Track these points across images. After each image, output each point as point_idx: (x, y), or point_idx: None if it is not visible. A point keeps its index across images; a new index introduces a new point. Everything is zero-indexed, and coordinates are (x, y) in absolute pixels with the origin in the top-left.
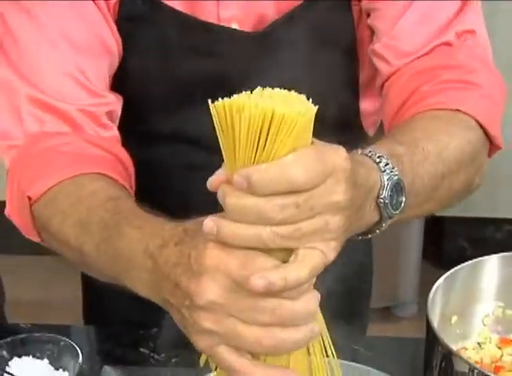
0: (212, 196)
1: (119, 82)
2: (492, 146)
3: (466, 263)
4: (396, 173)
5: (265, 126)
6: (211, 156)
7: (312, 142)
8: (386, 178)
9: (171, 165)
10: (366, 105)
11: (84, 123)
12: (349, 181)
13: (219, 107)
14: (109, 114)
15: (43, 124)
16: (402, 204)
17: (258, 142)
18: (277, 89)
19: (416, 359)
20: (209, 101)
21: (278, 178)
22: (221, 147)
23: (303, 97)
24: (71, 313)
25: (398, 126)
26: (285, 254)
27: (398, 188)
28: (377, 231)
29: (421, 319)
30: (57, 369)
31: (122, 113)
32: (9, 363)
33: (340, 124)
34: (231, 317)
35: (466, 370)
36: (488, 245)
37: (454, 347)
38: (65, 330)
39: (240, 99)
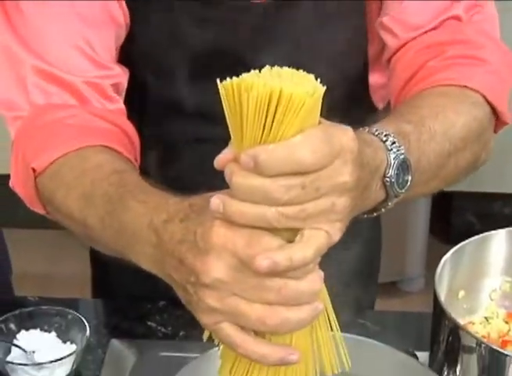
0: (215, 171)
1: (126, 54)
2: (498, 121)
3: (473, 238)
4: (402, 152)
5: (273, 105)
6: (217, 128)
7: (320, 123)
8: (392, 156)
9: (176, 138)
10: (375, 78)
11: (90, 95)
12: (356, 162)
13: (227, 86)
14: (115, 87)
15: (48, 95)
16: (408, 183)
17: (266, 121)
18: (286, 68)
19: (423, 334)
20: (217, 80)
21: (285, 158)
22: (229, 126)
23: (311, 77)
24: (78, 287)
25: (405, 102)
26: (291, 234)
27: (404, 167)
28: (383, 209)
29: (428, 294)
30: (65, 342)
31: (129, 85)
32: (17, 336)
33: (350, 97)
34: (235, 296)
35: (474, 345)
36: (496, 220)
37: (461, 321)
38: (72, 303)
39: (248, 77)
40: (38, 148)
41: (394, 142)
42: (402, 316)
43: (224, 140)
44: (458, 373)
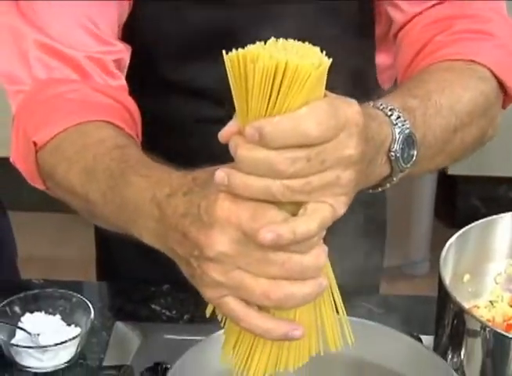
0: (218, 148)
1: (129, 32)
2: (506, 96)
3: (478, 222)
4: (408, 126)
5: (278, 77)
6: (218, 108)
7: (325, 95)
8: (397, 131)
9: (177, 116)
10: (382, 59)
11: (92, 70)
12: (361, 135)
13: (233, 58)
14: (117, 62)
15: (50, 70)
16: (414, 158)
17: (271, 93)
18: (291, 40)
19: (427, 317)
20: (223, 51)
21: (290, 131)
22: (234, 98)
23: (317, 49)
24: (83, 270)
25: (412, 77)
26: (295, 207)
27: (409, 141)
28: (388, 185)
29: (433, 278)
30: (69, 324)
31: (131, 63)
32: (22, 318)
33: (357, 78)
34: (239, 269)
35: (478, 329)
36: (501, 204)
37: (466, 305)
38: (77, 286)
39: (254, 49)
40: (39, 122)
41: (399, 117)
42: (406, 299)
43: (224, 121)
44: (462, 356)
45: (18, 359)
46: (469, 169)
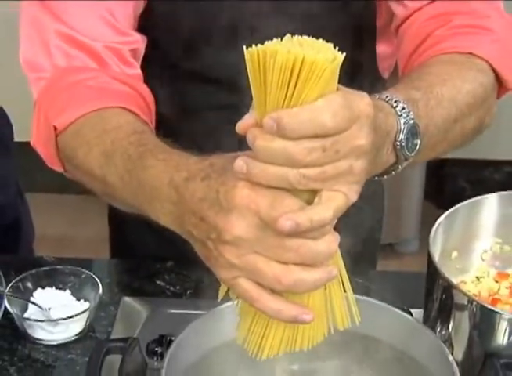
0: (232, 135)
1: (143, 22)
2: (501, 88)
3: (466, 202)
4: (412, 117)
5: (296, 71)
6: (231, 95)
7: (338, 89)
8: (402, 121)
9: (191, 104)
10: (383, 48)
11: (109, 59)
12: (371, 126)
13: (253, 52)
14: (134, 52)
15: (70, 58)
16: (418, 147)
17: (288, 86)
18: (306, 37)
19: (417, 292)
20: (244, 47)
21: (308, 121)
22: (252, 91)
23: (330, 45)
24: (95, 249)
25: (414, 69)
26: (310, 195)
27: (413, 131)
28: (393, 172)
29: (423, 255)
30: (78, 299)
31: (146, 52)
32: (34, 293)
33: (358, 67)
34: (254, 253)
35: (465, 303)
36: (487, 185)
37: (454, 281)
38: (86, 263)
39: (273, 45)
40: (60, 108)
41: (403, 108)
42: (397, 275)
43: (239, 107)
44: (450, 329)
45: (30, 331)
46: (456, 152)
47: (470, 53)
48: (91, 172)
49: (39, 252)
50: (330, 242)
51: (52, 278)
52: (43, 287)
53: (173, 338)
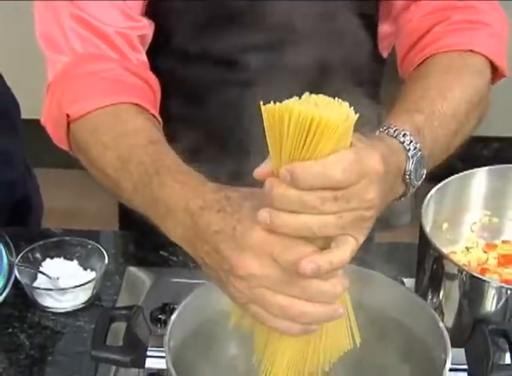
0: (237, 110)
1: (151, 7)
2: (497, 74)
3: (456, 175)
4: (419, 148)
5: (311, 130)
6: (236, 73)
7: (351, 144)
8: (410, 154)
9: (199, 83)
10: (385, 28)
11: (121, 44)
12: (380, 182)
13: (270, 110)
14: (142, 38)
15: (83, 40)
16: (423, 176)
17: (304, 142)
18: (321, 96)
19: (409, 263)
20: (260, 103)
21: (319, 174)
22: (268, 143)
23: (345, 104)
24: (101, 222)
25: (414, 81)
26: (321, 241)
27: (421, 162)
28: (402, 199)
29: (415, 227)
30: (85, 269)
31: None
32: (42, 263)
33: (359, 47)
34: (263, 287)
35: (455, 272)
36: (476, 161)
37: (444, 251)
38: (93, 235)
39: (290, 104)
40: (74, 97)
41: (411, 142)
42: (390, 246)
43: (246, 84)
44: (441, 297)
45: (40, 300)
46: None
47: (470, 50)
48: (104, 172)
49: (47, 225)
50: (335, 284)
51: (60, 249)
52: (51, 258)
53: (176, 306)
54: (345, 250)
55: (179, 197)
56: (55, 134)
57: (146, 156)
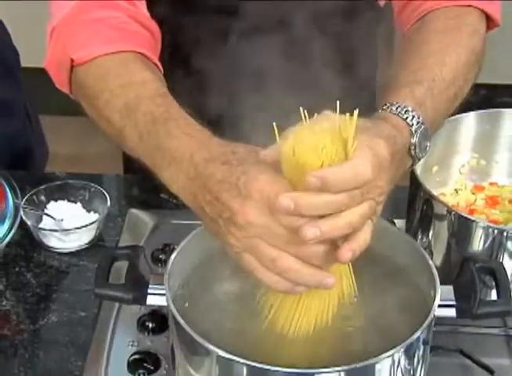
0: (229, 59)
1: None
2: (491, 24)
3: (445, 120)
4: (421, 122)
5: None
6: (239, 22)
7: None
8: (414, 129)
9: (199, 32)
10: None
11: None
12: (389, 167)
13: (286, 150)
14: None
15: None
16: (428, 148)
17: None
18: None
19: (400, 204)
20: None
21: (351, 178)
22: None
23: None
24: (104, 167)
25: (412, 50)
26: None
27: (424, 134)
28: (409, 169)
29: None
30: (89, 211)
31: None
32: (47, 206)
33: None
34: (259, 238)
35: (445, 213)
36: (465, 107)
37: (434, 193)
38: (95, 178)
39: (304, 156)
40: (81, 42)
41: (413, 117)
42: None
43: (245, 32)
44: (430, 237)
45: (45, 240)
46: None
47: (469, 6)
48: (108, 119)
49: (51, 170)
50: (329, 250)
51: (63, 192)
52: (56, 200)
53: (176, 246)
54: (367, 232)
55: (186, 148)
56: (58, 77)
57: (154, 106)
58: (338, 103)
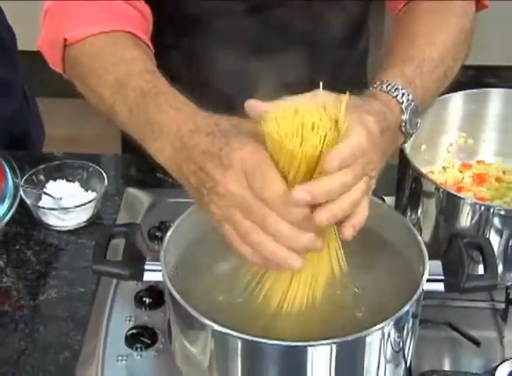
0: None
1: None
2: (479, 5)
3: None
4: (412, 99)
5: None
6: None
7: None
8: (404, 106)
9: (194, 13)
10: None
11: None
12: (379, 142)
13: (275, 141)
14: None
15: None
16: (418, 125)
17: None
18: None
19: (389, 182)
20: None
21: (352, 152)
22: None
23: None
24: (101, 147)
25: (402, 31)
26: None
27: (415, 111)
28: (401, 145)
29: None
30: (86, 190)
31: None
32: (46, 185)
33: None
34: (236, 208)
35: (433, 190)
36: (454, 87)
37: (423, 171)
38: (93, 158)
39: (296, 148)
40: (74, 22)
41: (403, 94)
42: None
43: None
44: (419, 214)
45: (44, 219)
46: None
47: None
48: (100, 95)
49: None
50: (309, 238)
51: (62, 171)
52: (54, 180)
53: (172, 224)
54: (365, 206)
55: (173, 121)
56: (51, 57)
57: (143, 82)
58: (321, 83)
